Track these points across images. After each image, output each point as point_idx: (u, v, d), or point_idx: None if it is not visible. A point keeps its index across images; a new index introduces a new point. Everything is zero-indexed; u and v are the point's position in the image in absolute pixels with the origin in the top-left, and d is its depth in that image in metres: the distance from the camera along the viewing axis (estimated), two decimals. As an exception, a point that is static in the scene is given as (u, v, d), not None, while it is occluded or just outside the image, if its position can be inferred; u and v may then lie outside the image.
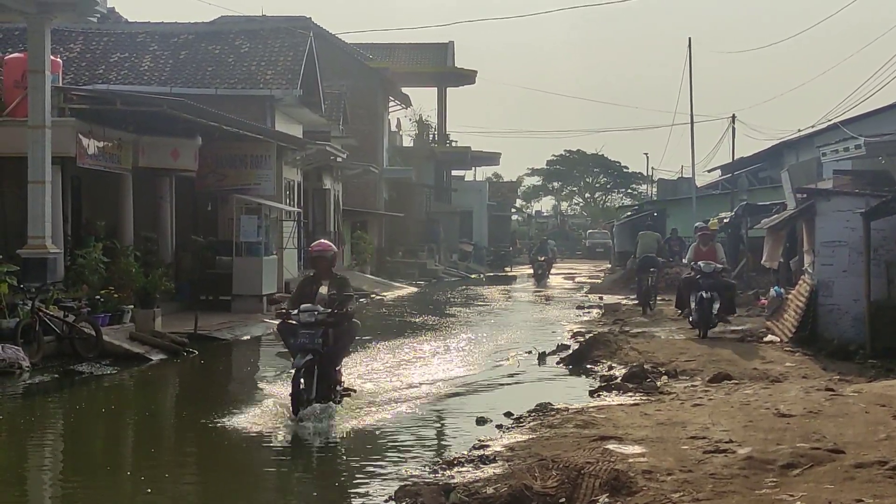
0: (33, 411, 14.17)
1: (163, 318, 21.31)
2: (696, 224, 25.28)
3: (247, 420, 12.54)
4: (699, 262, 20.72)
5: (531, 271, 52.42)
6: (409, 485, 8.79)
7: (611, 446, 9.51)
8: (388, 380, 16.17)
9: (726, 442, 9.39)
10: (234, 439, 11.74)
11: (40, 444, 12.03)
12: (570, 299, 36.30)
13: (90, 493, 9.49)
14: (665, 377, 15.16)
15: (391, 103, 58.11)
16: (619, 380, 15.12)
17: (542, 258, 50.45)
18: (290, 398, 12.27)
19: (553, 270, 55.88)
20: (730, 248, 36.42)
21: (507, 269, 63.79)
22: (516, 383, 16.54)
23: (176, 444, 12.40)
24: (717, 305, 20.25)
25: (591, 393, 14.43)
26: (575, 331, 23.48)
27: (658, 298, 28.40)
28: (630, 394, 13.79)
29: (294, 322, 12.56)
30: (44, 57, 20.31)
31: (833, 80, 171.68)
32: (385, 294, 37.95)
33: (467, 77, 63.23)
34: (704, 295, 20.06)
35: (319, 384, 12.48)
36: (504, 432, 11.45)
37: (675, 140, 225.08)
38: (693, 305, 20.47)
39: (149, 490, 9.51)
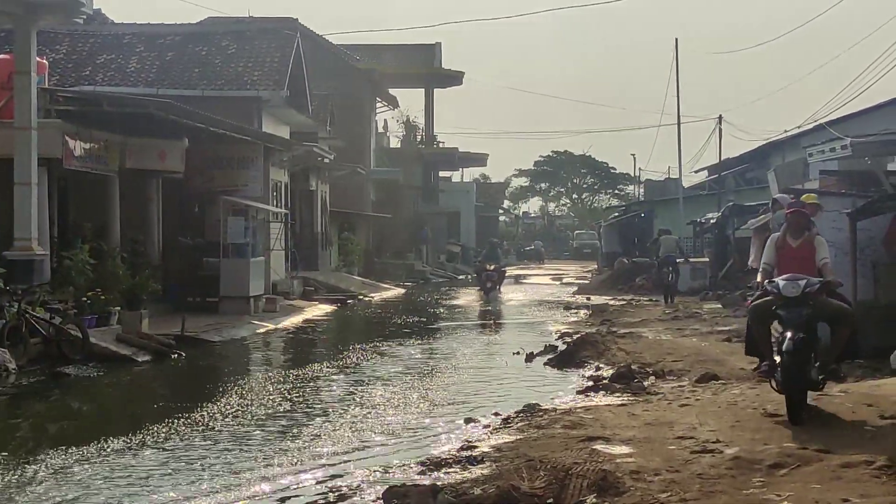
0: (18, 413, 14.12)
1: (150, 320, 21.26)
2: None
3: None
4: (778, 280, 10.80)
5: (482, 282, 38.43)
6: (397, 486, 8.79)
7: (598, 447, 9.53)
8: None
9: (714, 442, 9.41)
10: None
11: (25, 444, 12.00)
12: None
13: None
14: (653, 377, 15.17)
15: (378, 104, 58.08)
16: (606, 380, 15.13)
17: (492, 267, 37.92)
18: None
19: (540, 271, 55.76)
20: (717, 248, 36.64)
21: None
22: (504, 384, 16.53)
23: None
24: (823, 343, 10.95)
25: (579, 393, 14.43)
26: (563, 331, 23.48)
27: (646, 299, 29.11)
28: (618, 394, 13.79)
29: None
30: (30, 58, 20.24)
31: (819, 80, 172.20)
32: (373, 295, 37.95)
33: (455, 78, 63.23)
34: (791, 338, 10.30)
35: None
36: (492, 433, 11.45)
37: (662, 141, 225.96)
38: (776, 356, 10.62)
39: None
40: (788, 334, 10.38)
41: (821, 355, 10.83)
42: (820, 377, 10.85)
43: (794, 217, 11.58)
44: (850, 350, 11.42)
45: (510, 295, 39.04)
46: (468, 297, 38.78)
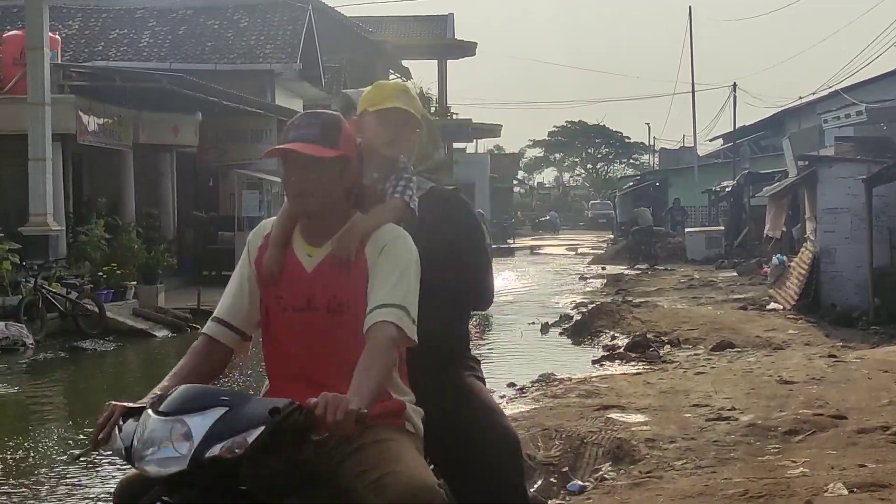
0: (37, 387, 14.21)
1: (166, 294, 21.33)
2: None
3: None
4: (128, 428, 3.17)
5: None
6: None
7: (614, 415, 9.53)
8: None
9: (729, 409, 9.40)
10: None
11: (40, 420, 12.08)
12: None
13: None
14: (668, 346, 15.17)
15: (391, 76, 57.88)
16: (622, 349, 15.14)
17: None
18: None
19: (555, 241, 54.94)
20: (732, 217, 36.55)
21: (510, 240, 63.76)
22: (519, 354, 16.55)
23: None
24: None
25: (594, 363, 14.45)
26: (577, 301, 23.46)
27: (661, 267, 29.40)
28: (633, 363, 13.80)
29: None
30: (42, 34, 20.25)
31: (834, 46, 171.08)
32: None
33: (468, 49, 62.85)
34: None
35: None
36: (507, 403, 11.46)
37: (677, 110, 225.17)
38: None
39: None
40: None
41: None
42: None
43: (293, 162, 3.48)
44: None
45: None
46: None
